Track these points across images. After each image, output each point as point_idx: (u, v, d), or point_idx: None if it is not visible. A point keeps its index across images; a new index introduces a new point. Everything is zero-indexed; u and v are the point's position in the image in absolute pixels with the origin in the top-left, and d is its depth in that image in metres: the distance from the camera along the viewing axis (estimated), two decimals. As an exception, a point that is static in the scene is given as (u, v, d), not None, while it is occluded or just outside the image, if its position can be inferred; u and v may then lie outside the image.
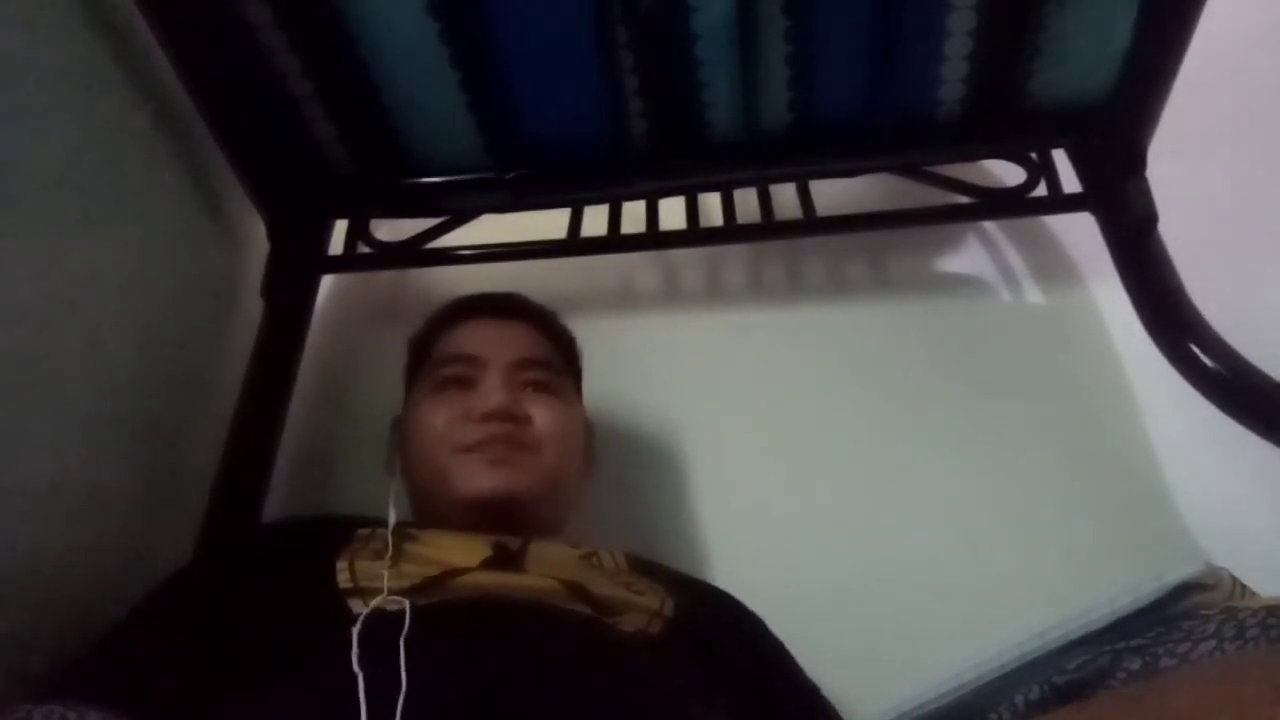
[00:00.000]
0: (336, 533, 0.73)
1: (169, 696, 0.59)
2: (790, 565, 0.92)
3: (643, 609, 0.70)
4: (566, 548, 0.75)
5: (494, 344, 0.83)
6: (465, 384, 0.81)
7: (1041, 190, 1.04)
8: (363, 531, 0.73)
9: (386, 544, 0.71)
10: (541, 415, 0.80)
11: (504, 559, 0.70)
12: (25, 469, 0.72)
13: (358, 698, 0.51)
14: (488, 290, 0.92)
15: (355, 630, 0.56)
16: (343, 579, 0.66)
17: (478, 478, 0.75)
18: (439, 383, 0.82)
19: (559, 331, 0.89)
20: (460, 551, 0.70)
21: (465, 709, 0.53)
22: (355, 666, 0.53)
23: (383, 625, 0.58)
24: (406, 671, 0.52)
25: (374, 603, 0.61)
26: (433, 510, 0.79)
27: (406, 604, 0.59)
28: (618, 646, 0.65)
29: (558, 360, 0.86)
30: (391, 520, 0.74)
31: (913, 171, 1.09)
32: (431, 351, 0.85)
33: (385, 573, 0.66)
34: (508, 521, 0.75)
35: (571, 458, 0.82)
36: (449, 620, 0.60)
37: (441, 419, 0.79)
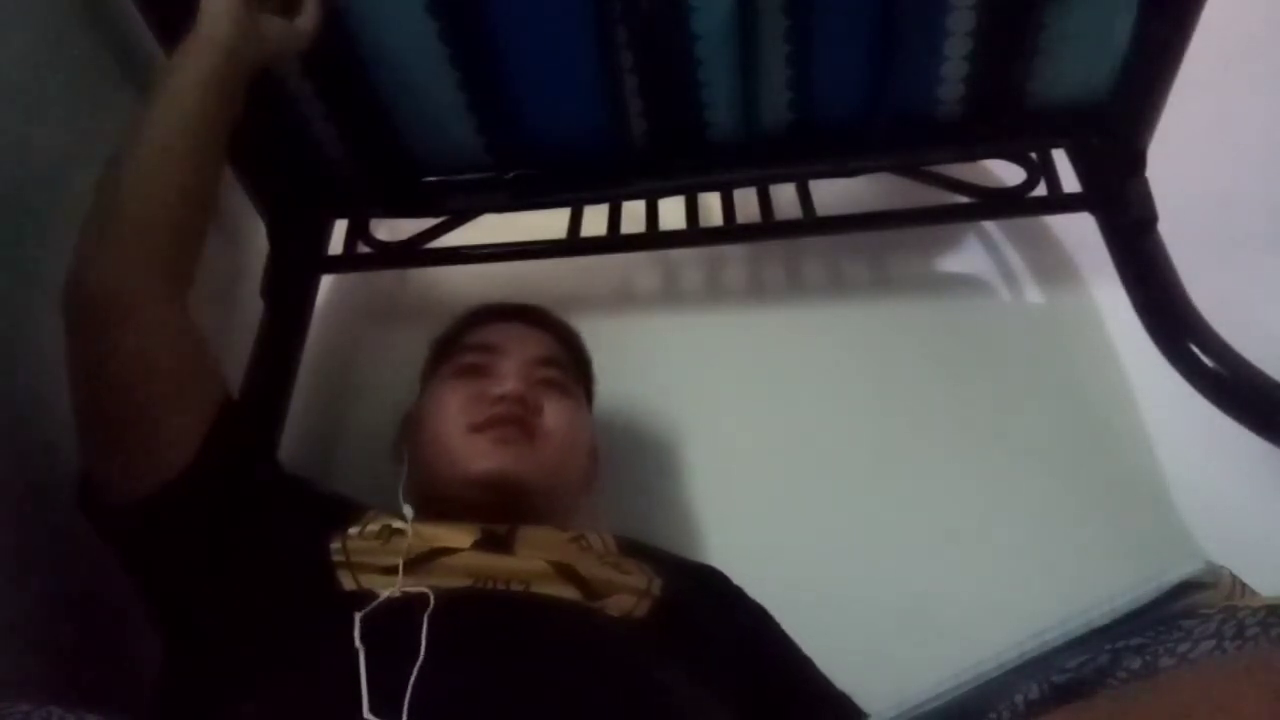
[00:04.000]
0: (334, 510, 0.75)
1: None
2: (790, 565, 0.92)
3: (631, 589, 0.71)
4: (554, 531, 0.76)
5: (515, 340, 0.85)
6: (483, 371, 0.82)
7: (1041, 190, 1.04)
8: (355, 513, 0.75)
9: (378, 525, 0.72)
10: (552, 410, 0.81)
11: (492, 544, 0.71)
12: (24, 469, 0.72)
13: (350, 677, 0.53)
14: (492, 291, 0.93)
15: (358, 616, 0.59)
16: (335, 555, 0.68)
17: (484, 456, 0.76)
18: (458, 369, 0.83)
19: (577, 346, 0.92)
20: (449, 539, 0.71)
21: (457, 697, 0.54)
22: (357, 642, 0.56)
23: (380, 610, 0.60)
24: (405, 657, 0.54)
25: (386, 593, 0.62)
26: (435, 494, 0.79)
27: (430, 593, 0.61)
28: (604, 633, 0.66)
29: (573, 368, 0.89)
30: (404, 503, 0.75)
31: (913, 171, 1.09)
32: (453, 348, 0.87)
33: (377, 546, 0.69)
34: (506, 506, 0.76)
35: (575, 456, 0.84)
36: (439, 610, 0.61)
37: (456, 401, 0.80)
